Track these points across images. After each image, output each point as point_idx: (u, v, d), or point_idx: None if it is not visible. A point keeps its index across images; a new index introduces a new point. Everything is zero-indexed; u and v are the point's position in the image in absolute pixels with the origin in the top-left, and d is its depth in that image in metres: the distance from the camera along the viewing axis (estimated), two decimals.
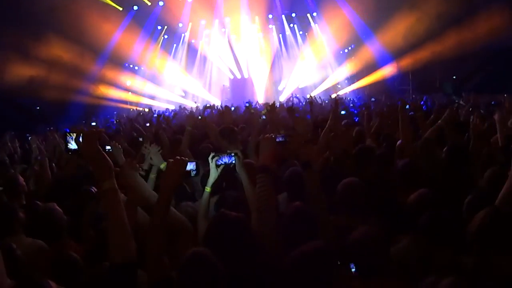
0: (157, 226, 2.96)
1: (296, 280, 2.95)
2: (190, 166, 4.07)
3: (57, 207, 4.54)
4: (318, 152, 5.17)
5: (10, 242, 3.68)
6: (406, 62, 27.44)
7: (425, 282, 3.33)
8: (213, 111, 17.66)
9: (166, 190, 3.07)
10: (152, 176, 5.11)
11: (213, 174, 4.19)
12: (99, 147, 2.64)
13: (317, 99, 23.46)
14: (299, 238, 3.40)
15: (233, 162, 4.21)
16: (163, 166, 5.00)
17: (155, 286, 2.73)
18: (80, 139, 2.72)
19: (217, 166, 4.18)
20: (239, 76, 35.01)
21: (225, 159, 4.21)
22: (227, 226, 3.18)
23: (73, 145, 2.99)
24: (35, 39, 19.90)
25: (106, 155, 2.64)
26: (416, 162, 5.36)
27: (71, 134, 3.31)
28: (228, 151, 4.37)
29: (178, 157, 3.14)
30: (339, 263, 3.23)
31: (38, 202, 5.19)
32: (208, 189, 4.17)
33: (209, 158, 4.22)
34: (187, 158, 3.21)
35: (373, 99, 22.90)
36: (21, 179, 5.87)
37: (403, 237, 3.75)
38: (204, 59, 33.99)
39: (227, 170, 4.28)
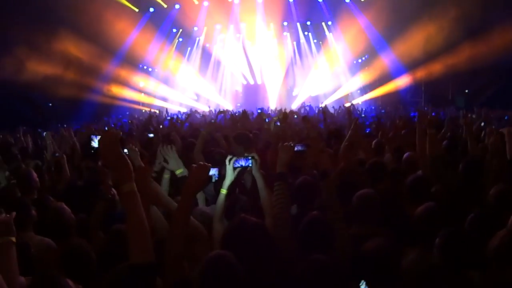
0: (179, 231, 2.96)
1: None
2: (213, 171, 4.11)
3: (65, 206, 4.55)
4: (335, 162, 5.22)
5: (23, 239, 3.70)
6: (420, 74, 27.44)
7: None
8: (226, 116, 17.76)
9: (189, 196, 3.08)
10: (166, 176, 5.11)
11: (230, 176, 4.19)
12: (120, 150, 2.60)
13: (329, 108, 23.53)
14: (314, 246, 3.44)
15: (250, 165, 4.24)
16: (179, 172, 4.99)
17: (174, 287, 2.75)
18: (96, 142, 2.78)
19: (234, 168, 4.20)
20: (252, 82, 35.12)
21: (242, 162, 4.23)
22: (247, 231, 3.18)
23: (96, 144, 3.01)
24: (51, 37, 20.03)
25: (127, 157, 2.61)
26: (428, 177, 5.36)
27: (96, 134, 3.35)
28: (246, 154, 4.41)
29: (201, 163, 3.15)
30: (351, 275, 3.24)
31: (50, 198, 5.24)
32: (224, 191, 4.16)
33: (227, 161, 4.24)
34: (210, 164, 3.21)
35: (383, 111, 22.95)
36: (34, 174, 5.90)
37: (410, 250, 3.77)
38: (218, 63, 34.10)
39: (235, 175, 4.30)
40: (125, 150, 6.08)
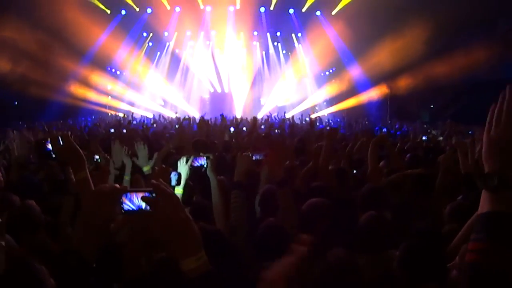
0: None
1: None
2: (173, 175, 4.19)
3: (35, 204, 4.55)
4: (292, 171, 5.29)
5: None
6: (385, 89, 27.89)
7: None
8: (191, 123, 17.76)
9: None
10: (127, 178, 5.12)
11: (184, 175, 4.26)
12: (72, 142, 2.87)
13: (295, 119, 23.76)
14: (269, 252, 3.51)
15: (205, 165, 4.31)
16: (146, 169, 5.10)
17: (130, 283, 2.80)
18: (60, 141, 2.88)
19: (190, 168, 4.29)
20: (219, 90, 35.14)
21: (198, 161, 4.31)
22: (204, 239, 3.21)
23: (49, 148, 3.08)
24: (18, 34, 19.72)
25: (78, 148, 2.86)
26: (380, 188, 5.47)
27: (47, 140, 3.38)
28: (201, 154, 4.48)
29: (163, 166, 3.26)
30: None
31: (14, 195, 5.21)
32: (180, 190, 4.21)
33: (182, 159, 4.30)
34: (170, 168, 3.31)
35: (341, 122, 23.28)
36: None
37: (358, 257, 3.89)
38: (186, 70, 34.03)
39: (202, 179, 4.36)
40: (96, 157, 6.15)
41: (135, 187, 1.94)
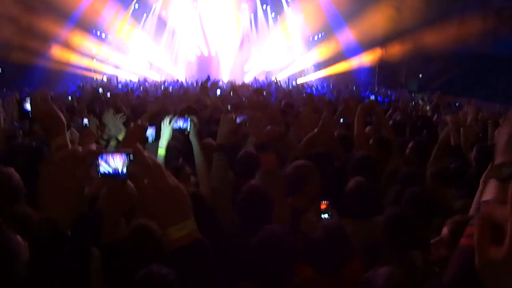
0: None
1: (257, 261, 2.99)
2: (150, 131, 4.04)
3: (15, 172, 4.41)
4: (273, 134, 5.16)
5: None
6: (375, 55, 27.76)
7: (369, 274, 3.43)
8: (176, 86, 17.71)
9: None
10: (113, 144, 5.05)
11: (167, 136, 4.20)
12: (51, 104, 2.63)
13: (281, 83, 23.64)
14: (254, 216, 3.45)
15: (187, 128, 4.20)
16: (121, 136, 4.95)
17: (108, 248, 2.70)
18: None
19: (173, 130, 4.20)
20: (206, 54, 34.76)
21: (180, 123, 4.19)
22: None
23: (28, 106, 2.95)
24: None
25: (58, 111, 2.62)
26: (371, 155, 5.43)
27: (27, 97, 3.28)
28: (186, 115, 4.35)
29: (138, 123, 3.13)
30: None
31: None
32: (162, 151, 4.16)
33: (165, 120, 4.22)
34: (146, 124, 3.18)
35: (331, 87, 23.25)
36: None
37: (345, 222, 3.84)
38: (173, 32, 33.48)
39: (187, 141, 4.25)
40: (85, 121, 6.00)
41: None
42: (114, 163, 1.62)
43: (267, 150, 4.22)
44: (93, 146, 1.67)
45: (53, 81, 22.19)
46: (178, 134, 4.39)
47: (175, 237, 1.54)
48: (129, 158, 1.59)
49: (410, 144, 5.84)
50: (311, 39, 32.95)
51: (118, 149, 1.67)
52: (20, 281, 2.26)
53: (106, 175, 1.64)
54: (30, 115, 2.80)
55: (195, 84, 20.54)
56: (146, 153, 1.55)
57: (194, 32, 33.90)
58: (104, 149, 1.65)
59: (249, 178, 4.37)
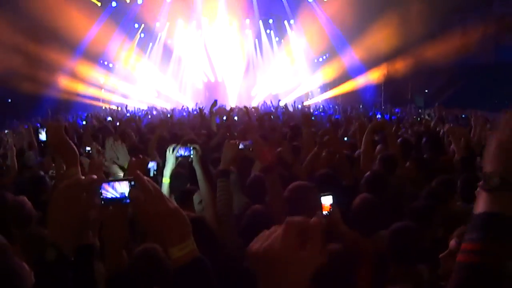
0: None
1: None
2: (151, 164, 4.12)
3: (27, 200, 4.46)
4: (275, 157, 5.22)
5: None
6: (379, 73, 27.79)
7: None
8: (185, 113, 17.77)
9: None
10: (116, 170, 5.14)
11: (170, 164, 4.27)
12: (65, 136, 2.70)
13: (288, 106, 23.74)
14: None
15: (191, 155, 4.26)
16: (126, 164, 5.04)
17: (112, 278, 2.75)
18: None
19: (177, 158, 4.27)
20: (212, 79, 35.01)
21: (182, 151, 4.27)
22: None
23: (43, 137, 3.05)
24: (9, 29, 19.53)
25: (71, 143, 2.70)
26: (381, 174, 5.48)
27: (42, 127, 3.38)
28: (189, 144, 4.43)
29: (140, 156, 3.21)
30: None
31: (7, 193, 5.18)
32: (166, 179, 4.23)
33: (168, 149, 4.28)
34: (148, 158, 3.26)
35: (337, 107, 23.22)
36: None
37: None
38: (179, 60, 33.79)
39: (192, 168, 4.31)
40: (88, 148, 6.13)
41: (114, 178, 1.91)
42: (116, 190, 1.72)
43: (272, 173, 4.28)
44: (95, 175, 1.77)
45: (62, 111, 22.36)
46: (184, 161, 4.47)
47: (176, 257, 1.64)
48: (131, 184, 1.69)
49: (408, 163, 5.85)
50: (315, 61, 33.12)
51: (119, 177, 1.77)
52: None
53: (109, 202, 1.74)
54: (45, 144, 2.88)
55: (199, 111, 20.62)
56: (147, 179, 1.66)
57: (200, 59, 34.21)
58: (106, 178, 1.78)
59: (260, 201, 4.42)
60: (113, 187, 1.73)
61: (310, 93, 33.34)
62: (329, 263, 3.15)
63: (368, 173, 5.24)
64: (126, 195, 1.71)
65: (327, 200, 3.71)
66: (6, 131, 10.10)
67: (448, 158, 6.64)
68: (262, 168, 4.33)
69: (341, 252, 3.26)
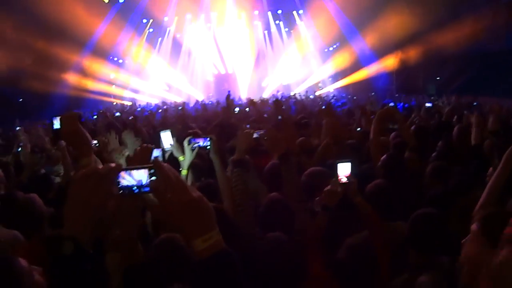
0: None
1: (269, 270, 2.95)
2: (156, 153, 4.08)
3: (38, 197, 4.46)
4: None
5: None
6: (391, 62, 27.60)
7: (399, 280, 3.36)
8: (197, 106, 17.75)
9: None
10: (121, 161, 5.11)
11: (188, 156, 4.28)
12: (79, 125, 2.65)
13: (297, 97, 23.65)
14: (274, 227, 3.40)
15: (208, 146, 4.25)
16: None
17: (128, 270, 2.69)
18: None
19: (192, 150, 4.26)
20: (223, 72, 35.02)
21: (200, 142, 4.26)
22: None
23: (57, 125, 3.04)
24: (18, 29, 19.60)
25: (86, 133, 2.66)
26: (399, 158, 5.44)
27: (56, 116, 3.37)
28: (204, 136, 4.43)
29: (145, 145, 3.17)
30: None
31: (18, 192, 5.15)
32: (184, 171, 4.23)
33: (185, 141, 4.29)
34: (152, 145, 3.23)
35: (354, 98, 23.10)
36: None
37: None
38: (189, 53, 33.81)
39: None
40: (95, 142, 6.07)
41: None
42: (134, 178, 1.66)
43: (287, 160, 4.21)
44: (113, 164, 1.69)
45: (73, 108, 22.41)
46: (201, 152, 4.44)
47: (201, 249, 1.55)
48: (150, 172, 1.62)
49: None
50: (326, 51, 32.99)
51: (137, 166, 1.68)
52: None
53: (127, 191, 1.67)
54: (59, 134, 2.84)
55: (215, 104, 20.56)
56: (167, 167, 1.57)
57: (210, 52, 34.24)
58: (122, 166, 1.68)
59: (277, 189, 4.37)
60: (131, 175, 1.66)
61: (321, 83, 33.17)
62: (352, 254, 3.11)
63: (384, 156, 5.23)
64: (144, 183, 1.65)
65: (344, 168, 3.61)
66: (17, 128, 10.12)
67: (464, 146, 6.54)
68: (279, 156, 4.26)
69: (365, 240, 3.17)
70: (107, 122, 12.37)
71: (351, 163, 3.62)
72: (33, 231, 4.20)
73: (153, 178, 1.63)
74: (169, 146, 4.69)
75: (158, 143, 4.88)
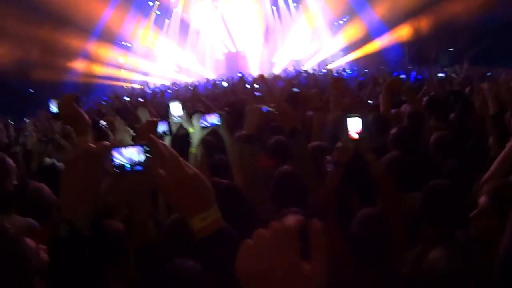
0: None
1: None
2: (162, 127, 3.98)
3: (45, 186, 4.47)
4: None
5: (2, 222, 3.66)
6: (402, 33, 27.29)
7: (411, 253, 3.25)
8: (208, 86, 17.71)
9: None
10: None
11: (198, 135, 4.18)
12: (76, 105, 2.74)
13: (309, 71, 23.45)
14: (287, 201, 3.35)
15: (218, 123, 4.18)
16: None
17: (139, 250, 2.62)
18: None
19: (202, 128, 4.17)
20: (233, 50, 34.87)
21: (210, 119, 4.17)
22: (218, 195, 3.05)
23: (54, 109, 3.08)
24: (21, 19, 19.55)
25: (82, 112, 2.75)
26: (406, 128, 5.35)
27: (53, 100, 3.38)
28: (213, 112, 4.38)
29: (150, 119, 3.12)
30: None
31: (30, 180, 5.15)
32: (194, 150, 4.14)
33: (194, 118, 4.21)
34: (158, 119, 3.18)
35: (365, 71, 22.94)
36: (10, 160, 5.82)
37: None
38: (197, 33, 33.66)
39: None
40: (103, 122, 6.04)
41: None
42: (129, 156, 1.60)
43: (298, 136, 4.14)
44: (106, 142, 1.65)
45: (84, 95, 22.47)
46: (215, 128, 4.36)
47: (198, 227, 1.49)
48: (144, 149, 1.56)
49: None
50: (335, 24, 32.63)
51: (131, 143, 1.64)
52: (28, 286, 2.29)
53: (122, 170, 1.61)
54: (58, 116, 3.12)
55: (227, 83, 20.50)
56: (160, 143, 1.51)
57: (218, 31, 34.06)
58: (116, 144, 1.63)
59: (281, 164, 4.31)
60: (122, 154, 1.61)
61: (330, 58, 32.90)
62: (366, 227, 3.00)
63: (395, 129, 5.15)
64: (135, 160, 1.59)
65: (354, 123, 3.46)
66: (26, 120, 10.18)
67: (478, 117, 6.41)
68: (289, 131, 4.17)
69: (379, 212, 3.10)
70: (116, 107, 12.40)
71: (362, 118, 3.47)
72: (41, 220, 4.18)
73: (148, 156, 1.57)
74: (178, 118, 4.55)
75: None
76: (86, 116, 2.77)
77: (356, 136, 3.44)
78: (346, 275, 2.93)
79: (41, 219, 4.17)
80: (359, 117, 3.47)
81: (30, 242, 2.53)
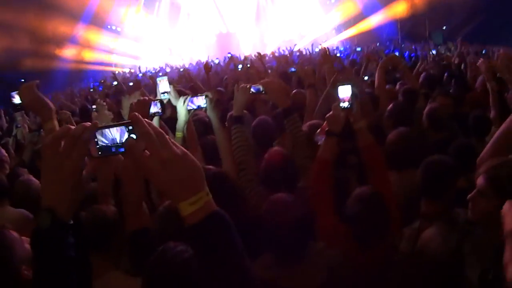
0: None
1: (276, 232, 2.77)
2: (154, 109, 3.86)
3: (33, 177, 4.52)
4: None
5: None
6: (395, 10, 27.20)
7: (408, 229, 3.18)
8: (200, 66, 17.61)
9: None
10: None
11: (183, 117, 4.07)
12: (38, 92, 2.75)
13: (302, 50, 23.37)
14: (278, 183, 3.33)
15: (204, 105, 4.10)
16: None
17: (133, 235, 2.57)
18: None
19: (188, 110, 4.08)
20: (224, 31, 34.66)
21: (197, 101, 4.08)
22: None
23: (17, 100, 3.03)
24: (8, 8, 19.35)
25: (45, 98, 2.76)
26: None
27: (14, 92, 3.31)
28: (199, 94, 4.26)
29: (141, 98, 3.14)
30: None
31: (23, 170, 5.15)
32: (179, 134, 4.05)
33: (180, 101, 4.10)
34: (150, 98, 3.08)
35: (358, 49, 22.88)
36: (3, 150, 5.76)
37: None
38: (188, 15, 33.47)
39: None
40: (93, 106, 5.93)
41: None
42: (112, 136, 1.47)
43: (292, 115, 4.04)
44: (87, 123, 1.51)
45: (75, 81, 22.39)
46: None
47: (187, 213, 1.37)
48: (128, 129, 1.43)
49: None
50: (328, 2, 32.50)
51: (115, 123, 1.49)
52: (15, 277, 2.28)
53: (105, 152, 1.49)
54: (21, 107, 2.97)
55: (216, 64, 20.36)
56: (146, 122, 1.39)
57: (210, 12, 33.76)
58: (98, 124, 1.49)
59: (267, 146, 4.30)
60: (105, 135, 1.47)
61: (325, 35, 32.79)
62: (361, 205, 2.92)
63: (390, 106, 5.14)
64: (119, 142, 1.45)
65: (345, 91, 3.37)
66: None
67: (475, 94, 6.53)
68: (282, 111, 4.17)
69: (373, 193, 2.99)
70: (105, 93, 12.32)
71: (351, 85, 3.37)
72: (32, 212, 4.18)
73: (132, 136, 1.43)
74: (166, 95, 4.46)
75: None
76: (50, 102, 2.78)
77: (346, 104, 3.32)
78: (351, 257, 2.88)
79: (31, 211, 4.16)
80: (350, 84, 3.37)
81: (14, 233, 2.49)
